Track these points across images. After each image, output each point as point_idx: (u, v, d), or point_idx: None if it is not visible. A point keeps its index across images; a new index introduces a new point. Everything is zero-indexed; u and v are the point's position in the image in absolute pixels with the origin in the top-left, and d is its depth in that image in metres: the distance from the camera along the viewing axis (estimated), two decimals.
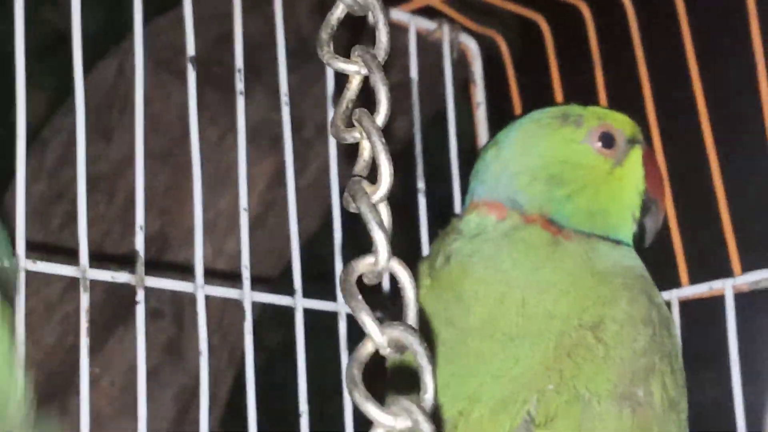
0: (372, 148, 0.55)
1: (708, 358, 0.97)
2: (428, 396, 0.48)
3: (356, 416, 0.86)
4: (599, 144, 0.90)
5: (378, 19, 0.57)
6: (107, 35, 1.51)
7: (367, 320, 0.50)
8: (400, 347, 0.50)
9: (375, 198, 0.54)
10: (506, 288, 0.84)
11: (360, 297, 0.51)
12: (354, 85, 0.58)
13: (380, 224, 0.53)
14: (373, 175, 0.55)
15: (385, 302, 0.94)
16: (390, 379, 0.87)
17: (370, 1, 0.58)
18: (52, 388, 1.24)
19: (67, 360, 1.24)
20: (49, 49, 1.86)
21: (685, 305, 0.98)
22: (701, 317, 0.97)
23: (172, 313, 1.29)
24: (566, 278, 0.85)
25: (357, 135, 0.57)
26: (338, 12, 0.60)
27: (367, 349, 0.50)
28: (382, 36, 0.57)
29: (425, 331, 0.84)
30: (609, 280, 0.85)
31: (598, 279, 0.85)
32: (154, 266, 1.27)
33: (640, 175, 0.91)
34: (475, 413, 0.81)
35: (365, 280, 0.53)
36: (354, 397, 0.48)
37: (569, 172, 0.89)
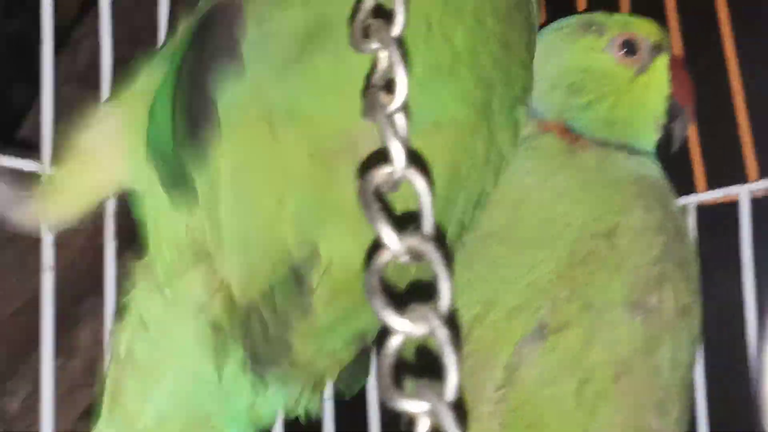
0: (389, 58, 0.57)
1: (723, 262, 0.98)
2: (445, 302, 0.49)
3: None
4: (621, 52, 0.91)
5: None
6: None
7: (384, 229, 0.51)
8: (416, 255, 0.51)
9: (391, 108, 0.55)
10: (522, 194, 0.85)
11: (377, 206, 0.52)
12: None
13: (396, 133, 0.54)
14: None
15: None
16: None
17: None
18: (83, 288, 1.26)
19: (98, 260, 1.26)
20: None
21: (703, 210, 0.99)
22: (718, 222, 0.98)
23: None
24: (580, 186, 0.86)
25: (374, 46, 0.57)
26: None
27: (384, 257, 0.51)
28: None
29: None
30: (623, 188, 0.86)
31: (613, 188, 0.86)
32: None
33: (665, 82, 0.92)
34: (489, 318, 0.83)
35: (383, 189, 0.54)
36: (373, 305, 0.49)
37: (589, 80, 0.90)
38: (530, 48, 0.83)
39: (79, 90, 1.36)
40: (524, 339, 0.82)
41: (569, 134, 0.88)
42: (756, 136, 0.96)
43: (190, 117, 0.72)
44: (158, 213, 0.75)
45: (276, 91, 0.71)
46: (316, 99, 0.71)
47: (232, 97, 0.72)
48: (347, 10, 0.65)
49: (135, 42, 1.36)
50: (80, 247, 1.28)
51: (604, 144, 0.89)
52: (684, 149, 0.97)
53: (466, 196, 0.78)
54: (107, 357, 0.83)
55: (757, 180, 0.95)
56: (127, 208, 1.23)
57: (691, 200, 0.99)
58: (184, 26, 0.78)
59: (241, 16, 0.73)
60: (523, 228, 0.85)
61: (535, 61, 0.89)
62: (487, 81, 0.77)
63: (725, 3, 0.98)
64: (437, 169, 0.72)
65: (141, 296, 0.76)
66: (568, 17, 0.94)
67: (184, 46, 0.75)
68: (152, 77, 0.77)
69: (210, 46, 0.73)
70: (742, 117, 0.97)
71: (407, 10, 0.57)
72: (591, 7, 1.03)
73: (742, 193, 0.95)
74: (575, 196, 0.85)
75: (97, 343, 1.23)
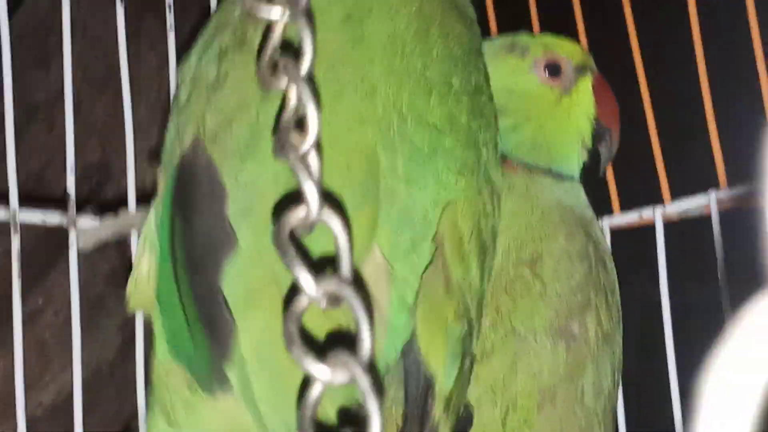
0: (298, 96, 0.55)
1: (640, 281, 0.99)
2: (366, 348, 0.48)
3: None
4: (545, 73, 0.91)
5: None
6: None
7: (301, 274, 0.49)
8: (335, 300, 0.49)
9: (303, 148, 0.54)
10: None
11: (293, 250, 0.50)
12: (278, 32, 0.58)
13: (309, 175, 0.53)
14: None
15: None
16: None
17: None
18: None
19: (9, 291, 1.24)
20: None
21: (618, 232, 0.99)
22: (633, 243, 0.98)
23: (115, 242, 1.29)
24: (509, 214, 0.85)
25: (283, 83, 0.56)
26: None
27: (302, 303, 0.49)
28: None
29: None
30: (547, 216, 0.86)
31: (538, 216, 0.86)
32: (96, 195, 1.27)
33: (590, 103, 0.92)
34: None
35: (297, 233, 0.52)
36: (292, 353, 0.48)
37: (514, 102, 0.89)
38: (487, 76, 0.82)
39: None
40: None
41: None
42: (668, 158, 0.96)
43: (207, 327, 0.68)
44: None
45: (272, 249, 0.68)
46: None
47: (234, 276, 0.68)
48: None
49: (44, 66, 1.35)
50: None
51: (529, 169, 0.89)
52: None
53: (490, 253, 0.76)
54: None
55: (670, 203, 0.96)
56: (32, 245, 1.22)
57: (606, 223, 0.99)
58: (164, 174, 0.75)
59: (221, 185, 0.70)
60: None
61: None
62: (471, 135, 0.75)
63: (634, 23, 0.98)
64: (468, 241, 0.72)
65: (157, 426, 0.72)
66: (491, 39, 0.94)
67: (169, 214, 0.72)
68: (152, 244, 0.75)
69: (201, 234, 0.70)
70: (654, 139, 0.97)
71: (315, 46, 0.56)
72: (502, 27, 1.02)
73: (656, 216, 0.96)
74: (504, 224, 0.85)
75: (11, 375, 1.22)
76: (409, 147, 0.71)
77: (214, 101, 0.72)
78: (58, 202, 0.89)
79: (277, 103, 0.67)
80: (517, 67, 0.91)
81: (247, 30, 0.74)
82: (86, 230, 0.89)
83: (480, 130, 0.76)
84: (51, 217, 0.84)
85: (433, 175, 0.72)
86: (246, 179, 0.69)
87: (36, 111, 1.31)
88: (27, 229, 0.88)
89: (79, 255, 0.85)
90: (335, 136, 0.67)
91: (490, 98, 0.80)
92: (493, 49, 0.92)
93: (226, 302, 0.67)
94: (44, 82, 1.34)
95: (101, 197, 1.28)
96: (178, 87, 0.78)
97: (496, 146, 0.79)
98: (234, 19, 0.76)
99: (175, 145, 0.74)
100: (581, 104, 0.92)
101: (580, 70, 0.92)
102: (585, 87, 0.92)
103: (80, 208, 0.91)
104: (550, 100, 0.91)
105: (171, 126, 0.76)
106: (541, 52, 0.91)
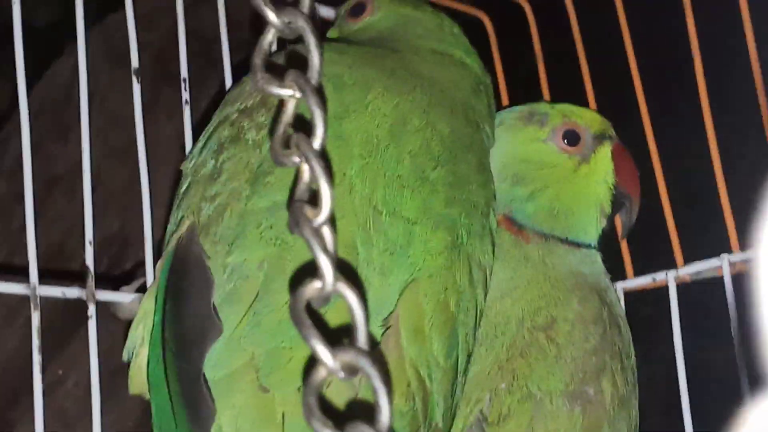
0: (311, 171, 0.57)
1: (654, 345, 0.99)
2: (384, 419, 0.48)
3: None
4: (563, 142, 0.91)
5: (309, 42, 0.58)
6: (67, 29, 1.49)
7: (318, 346, 0.50)
8: (353, 371, 0.50)
9: (317, 222, 0.55)
10: None
11: (310, 322, 0.51)
12: (290, 109, 0.59)
13: (324, 249, 0.54)
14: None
15: None
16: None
17: (300, 25, 0.59)
18: (16, 389, 1.24)
19: (29, 364, 1.24)
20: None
21: (631, 295, 1.00)
22: (647, 306, 0.98)
23: None
24: (524, 284, 0.86)
25: (296, 159, 0.57)
26: (270, 36, 0.61)
27: (320, 374, 0.50)
28: (315, 59, 0.58)
29: None
30: (562, 282, 0.87)
31: (552, 282, 0.87)
32: (115, 266, 1.28)
33: (609, 171, 0.92)
34: None
35: (313, 305, 0.53)
36: (312, 425, 0.48)
37: (532, 171, 0.90)
38: (483, 161, 0.84)
39: (7, 186, 1.35)
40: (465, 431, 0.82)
41: (514, 226, 0.89)
42: (680, 221, 0.97)
43: (189, 409, 0.70)
44: None
45: (253, 334, 0.71)
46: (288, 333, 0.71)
47: (216, 361, 0.71)
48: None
49: (63, 138, 1.36)
50: (11, 349, 1.26)
51: (546, 237, 0.89)
52: (612, 236, 0.97)
53: (464, 326, 0.78)
54: None
55: (683, 266, 0.96)
56: (52, 316, 1.23)
57: (620, 287, 1.00)
58: (162, 261, 0.78)
59: (209, 276, 0.73)
60: None
61: None
62: (447, 221, 0.78)
63: (643, 89, 0.99)
64: (429, 317, 0.74)
65: None
66: (510, 108, 0.95)
67: (162, 297, 0.75)
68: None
69: (189, 323, 0.73)
70: (665, 202, 0.98)
71: (327, 122, 0.57)
72: (513, 97, 1.04)
73: (669, 279, 0.96)
74: (518, 294, 0.86)
75: None
76: (384, 240, 0.75)
77: (209, 192, 0.76)
78: (78, 275, 0.90)
79: (265, 193, 0.73)
80: (535, 137, 0.91)
81: (243, 124, 0.78)
82: (125, 304, 0.91)
83: (460, 216, 0.79)
84: (70, 292, 0.85)
85: (404, 263, 0.75)
86: (232, 266, 0.73)
87: (55, 183, 1.32)
88: (47, 300, 0.89)
89: (98, 326, 0.86)
90: None
91: (483, 185, 0.82)
92: (512, 118, 0.92)
93: (208, 385, 0.70)
94: (63, 155, 1.35)
95: (120, 268, 1.29)
96: (182, 178, 0.81)
97: (483, 227, 0.81)
98: (232, 114, 0.80)
99: (173, 231, 0.77)
100: (600, 172, 0.92)
101: (599, 138, 0.93)
102: (604, 154, 0.93)
103: (99, 279, 0.92)
104: (568, 168, 0.91)
105: (172, 214, 0.79)
106: (559, 120, 0.92)
